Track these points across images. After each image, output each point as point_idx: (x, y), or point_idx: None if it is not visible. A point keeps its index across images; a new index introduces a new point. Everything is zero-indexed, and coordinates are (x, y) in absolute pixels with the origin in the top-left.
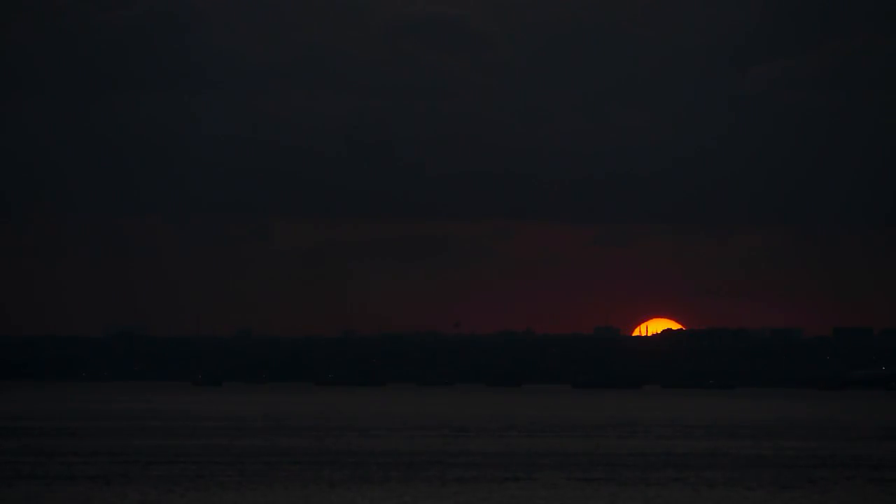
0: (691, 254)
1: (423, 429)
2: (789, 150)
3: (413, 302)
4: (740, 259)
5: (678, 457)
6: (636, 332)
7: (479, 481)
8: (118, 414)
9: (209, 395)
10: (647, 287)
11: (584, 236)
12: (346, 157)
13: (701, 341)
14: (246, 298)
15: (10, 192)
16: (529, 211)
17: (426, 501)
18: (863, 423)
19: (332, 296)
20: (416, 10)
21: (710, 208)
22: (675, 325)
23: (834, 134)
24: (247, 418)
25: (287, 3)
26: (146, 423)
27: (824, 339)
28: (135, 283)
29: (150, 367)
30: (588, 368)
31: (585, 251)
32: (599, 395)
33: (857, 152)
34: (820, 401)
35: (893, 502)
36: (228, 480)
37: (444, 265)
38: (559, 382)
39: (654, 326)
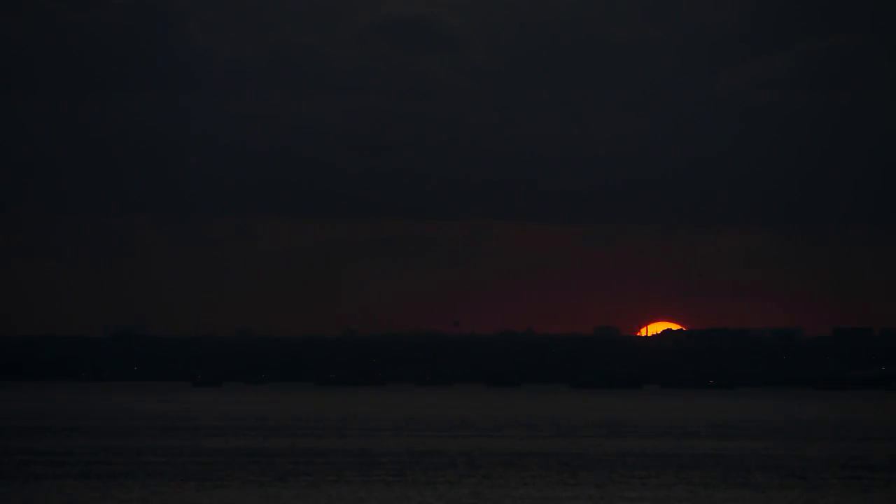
0: (691, 254)
1: (422, 428)
2: (789, 150)
3: (413, 302)
4: (740, 259)
5: (678, 457)
6: (636, 333)
7: (477, 481)
8: (118, 414)
9: (209, 395)
10: (647, 287)
11: (585, 236)
12: (338, 158)
13: (701, 341)
14: (246, 298)
15: (5, 192)
16: (529, 211)
17: (425, 501)
18: (863, 423)
19: (332, 296)
20: (394, 11)
21: (710, 208)
22: (675, 326)
23: (834, 134)
24: (246, 418)
25: (267, 5)
26: (145, 423)
27: (824, 339)
28: (134, 283)
29: (149, 367)
30: (588, 368)
31: (585, 251)
32: (599, 395)
33: (857, 152)
34: (820, 401)
35: (893, 502)
36: (227, 480)
37: (444, 265)
38: (559, 382)
39: (655, 327)
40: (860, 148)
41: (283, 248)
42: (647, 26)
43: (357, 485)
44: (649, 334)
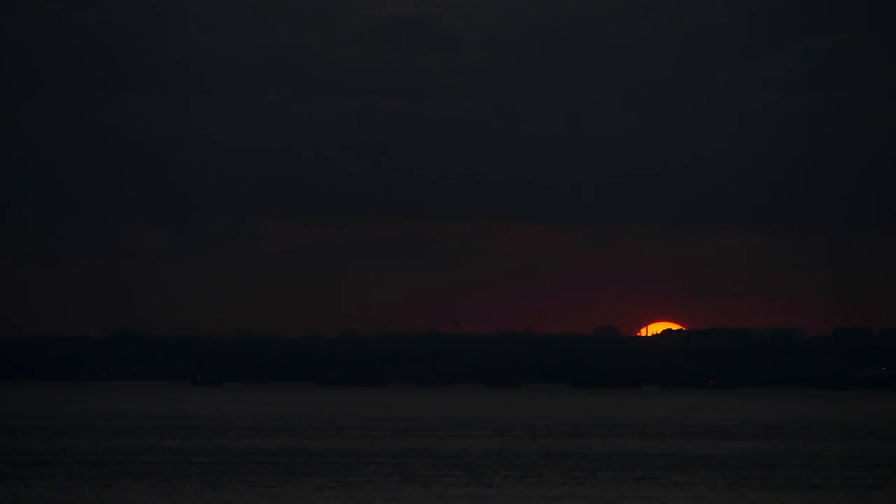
0: (690, 254)
1: (422, 428)
2: (789, 150)
3: (413, 302)
4: (740, 259)
5: (678, 457)
6: (636, 333)
7: (477, 481)
8: (118, 414)
9: (209, 395)
10: (647, 287)
11: (585, 236)
12: (338, 158)
13: (701, 341)
14: (246, 298)
15: (5, 192)
16: (529, 211)
17: (424, 501)
18: (863, 423)
19: (332, 296)
20: (393, 11)
21: (710, 208)
22: (675, 326)
23: (834, 134)
24: (246, 418)
25: (267, 5)
26: (145, 423)
27: (824, 339)
28: (134, 284)
29: (150, 367)
30: (588, 368)
31: (585, 251)
32: (599, 395)
33: (857, 152)
34: (820, 401)
35: (893, 502)
36: (227, 480)
37: (444, 265)
38: (559, 382)
39: (655, 327)
40: (860, 148)
41: (283, 248)
42: (647, 26)
43: (357, 485)
44: (649, 334)
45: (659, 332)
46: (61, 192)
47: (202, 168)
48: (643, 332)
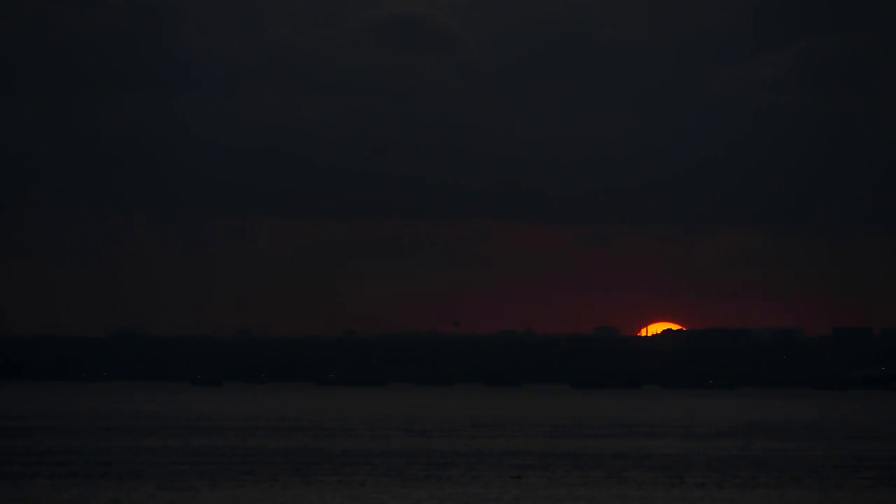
0: (691, 254)
1: (422, 428)
2: (789, 150)
3: (413, 302)
4: (740, 259)
5: (679, 457)
6: (636, 333)
7: (477, 481)
8: (118, 414)
9: (209, 395)
10: (647, 287)
11: (585, 237)
12: (337, 158)
13: (701, 341)
14: (245, 298)
15: (3, 192)
16: (529, 211)
17: (425, 501)
18: (863, 423)
19: (331, 296)
20: (393, 11)
21: (710, 208)
22: (675, 326)
23: (835, 134)
24: (245, 418)
25: (265, 5)
26: (145, 423)
27: (824, 339)
28: (134, 284)
29: (150, 367)
30: (588, 368)
31: (585, 251)
32: (599, 395)
33: (857, 152)
34: (820, 401)
35: (893, 502)
36: (226, 480)
37: (444, 265)
38: (559, 382)
39: (655, 327)
40: (861, 148)
41: (283, 248)
42: (647, 26)
43: (357, 485)
44: (649, 334)
45: (659, 332)
46: (60, 192)
47: (201, 168)
48: (643, 332)
